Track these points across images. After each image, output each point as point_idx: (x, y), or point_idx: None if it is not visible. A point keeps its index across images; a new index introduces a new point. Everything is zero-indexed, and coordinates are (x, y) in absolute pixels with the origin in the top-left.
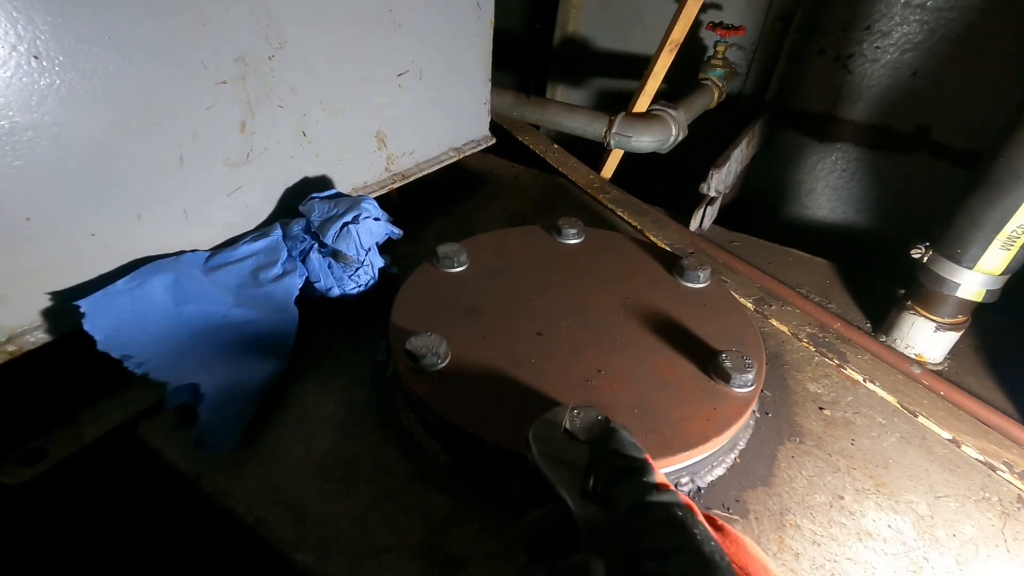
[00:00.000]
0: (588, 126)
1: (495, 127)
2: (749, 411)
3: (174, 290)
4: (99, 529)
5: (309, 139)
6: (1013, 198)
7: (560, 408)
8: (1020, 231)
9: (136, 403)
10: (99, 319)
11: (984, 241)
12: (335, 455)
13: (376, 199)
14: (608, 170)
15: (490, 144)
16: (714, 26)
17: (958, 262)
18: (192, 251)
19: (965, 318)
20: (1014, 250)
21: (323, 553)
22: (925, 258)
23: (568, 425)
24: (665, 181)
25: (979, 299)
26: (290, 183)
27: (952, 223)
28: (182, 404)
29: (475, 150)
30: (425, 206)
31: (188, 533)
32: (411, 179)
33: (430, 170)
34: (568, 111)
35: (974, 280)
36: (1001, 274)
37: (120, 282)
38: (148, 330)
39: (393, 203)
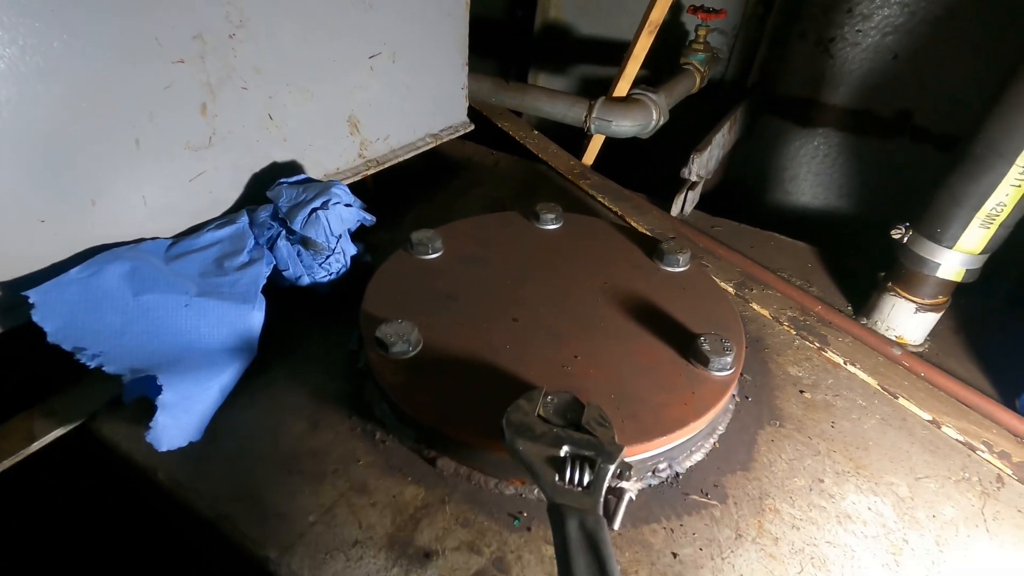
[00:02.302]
0: (568, 111)
1: (474, 113)
2: (728, 395)
3: (132, 279)
4: (55, 528)
5: (276, 123)
6: (993, 175)
7: (534, 392)
8: (999, 209)
9: (95, 398)
10: (49, 310)
11: (964, 219)
12: (304, 447)
13: (350, 186)
14: (589, 156)
15: (468, 130)
16: (695, 9)
17: (938, 242)
18: (153, 239)
19: (945, 299)
20: (993, 228)
21: (288, 548)
22: (905, 238)
23: (542, 410)
24: (647, 167)
25: (959, 279)
26: (257, 168)
27: (932, 202)
28: (142, 397)
29: (453, 136)
30: (402, 194)
31: (149, 530)
32: (386, 165)
33: (406, 156)
34: (548, 96)
35: (954, 260)
36: (980, 253)
37: (73, 271)
38: (103, 321)
39: (368, 190)
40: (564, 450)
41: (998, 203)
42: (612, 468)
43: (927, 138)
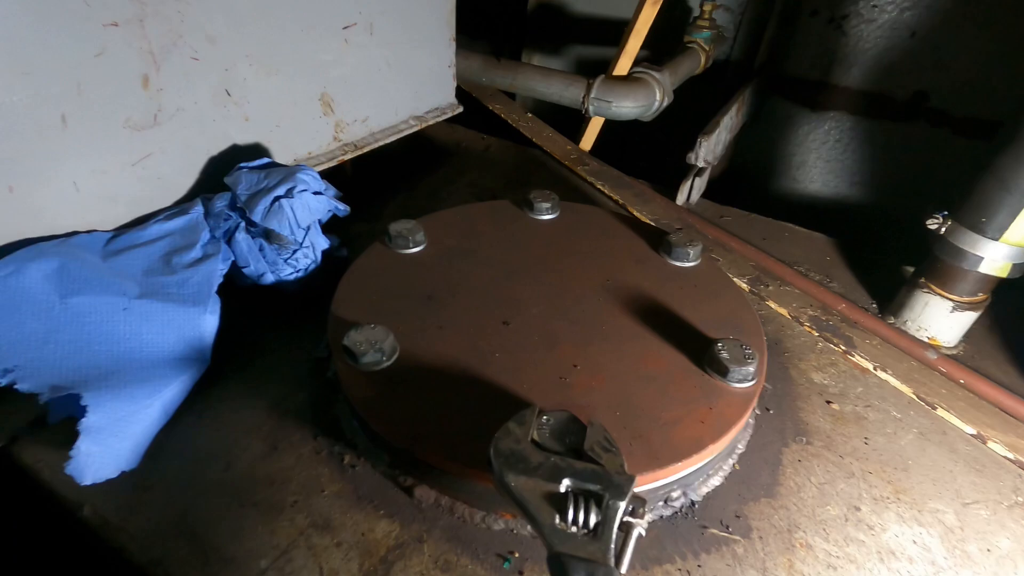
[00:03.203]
0: (564, 91)
1: (463, 95)
2: (750, 410)
3: (59, 279)
4: None
5: (235, 99)
6: None
7: (526, 412)
8: None
9: (18, 416)
10: None
11: (1014, 206)
12: (259, 473)
13: (324, 172)
14: (588, 140)
15: (457, 112)
16: None
17: (982, 232)
18: (88, 232)
19: (985, 296)
20: None
21: None
22: (943, 229)
23: (536, 435)
24: (649, 153)
25: (1004, 274)
26: (214, 151)
27: (975, 189)
28: (69, 418)
29: (439, 119)
30: (384, 180)
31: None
32: (365, 150)
33: (387, 140)
34: (542, 75)
35: (999, 252)
36: None
37: None
38: (21, 329)
39: (346, 176)
40: (564, 484)
41: None
42: (623, 505)
43: (945, 121)
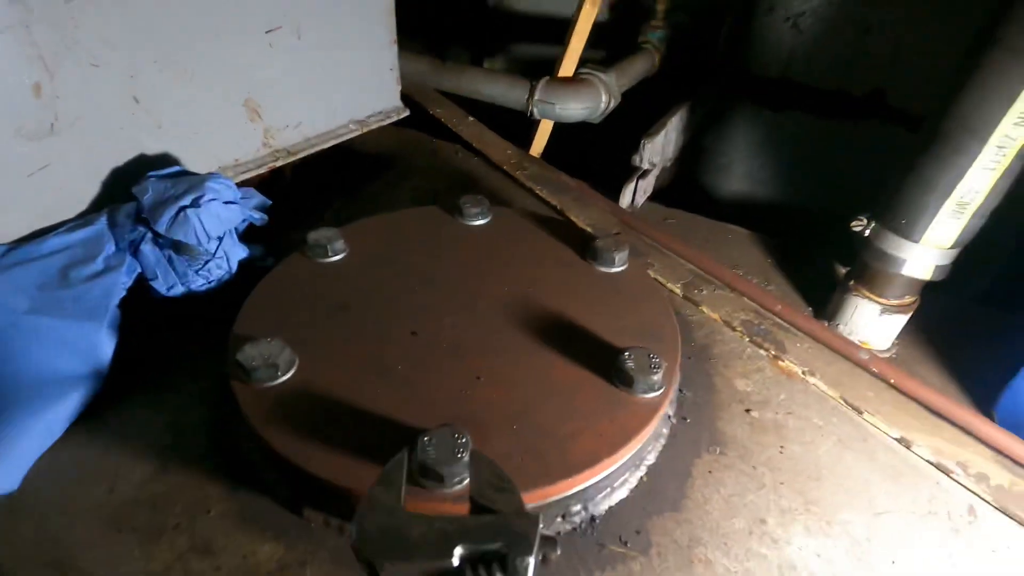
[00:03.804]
0: (508, 92)
1: (407, 98)
2: (654, 421)
3: None
4: None
5: (144, 107)
6: (964, 156)
7: (393, 467)
8: (972, 194)
9: None
10: None
11: (933, 208)
12: (143, 496)
13: (258, 178)
14: (538, 145)
15: (402, 116)
16: None
17: (904, 235)
18: None
19: (913, 299)
20: (965, 218)
21: None
22: (867, 231)
23: (418, 463)
24: (604, 155)
25: (928, 276)
26: (122, 160)
27: (896, 190)
28: None
29: (383, 122)
30: (326, 186)
31: None
32: (300, 155)
33: (325, 145)
34: (486, 77)
35: (922, 255)
36: (951, 247)
37: None
38: None
39: (286, 183)
40: (458, 554)
41: (970, 189)
42: (532, 561)
43: (902, 119)
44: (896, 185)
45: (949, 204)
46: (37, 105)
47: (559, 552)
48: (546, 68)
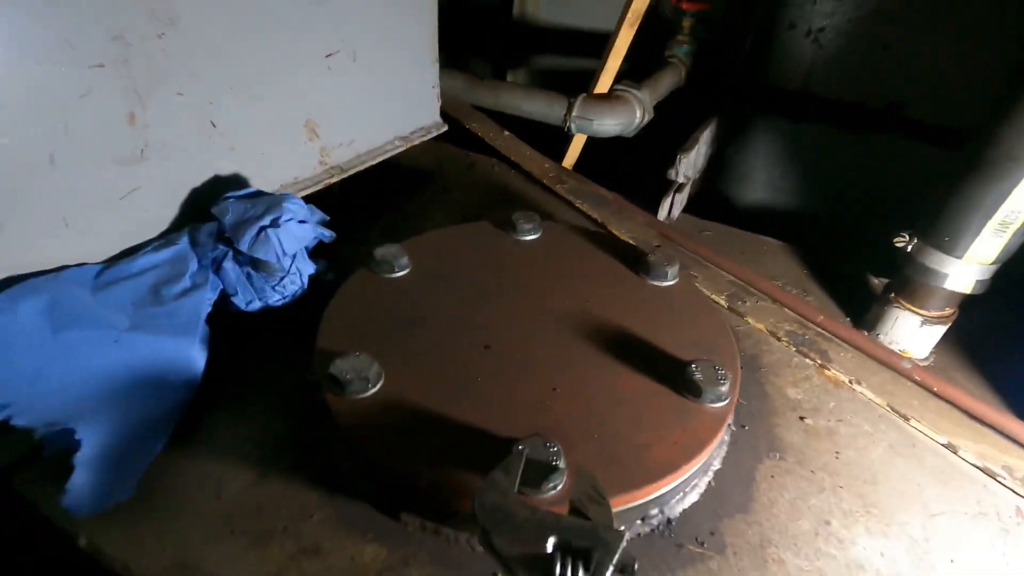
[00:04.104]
0: (547, 110)
1: (444, 114)
2: (723, 430)
3: (50, 314)
4: None
5: (220, 131)
6: (1008, 181)
7: (512, 459)
8: (1014, 215)
9: (11, 449)
10: None
11: (976, 227)
12: (248, 501)
13: (312, 195)
14: (571, 158)
15: (442, 131)
16: None
17: (947, 251)
18: (79, 266)
19: (953, 311)
20: (1007, 236)
21: None
22: (910, 247)
23: (520, 478)
24: (633, 167)
25: (969, 291)
26: (199, 182)
27: (940, 209)
28: (64, 450)
29: (425, 138)
30: (371, 201)
31: None
32: (351, 172)
33: (373, 162)
34: (525, 94)
35: (964, 270)
36: (992, 263)
37: None
38: (15, 366)
39: (334, 198)
40: (551, 543)
41: (1012, 210)
42: (612, 565)
43: (920, 132)
44: (939, 204)
45: (992, 224)
46: (131, 133)
47: (636, 568)
48: (568, 80)
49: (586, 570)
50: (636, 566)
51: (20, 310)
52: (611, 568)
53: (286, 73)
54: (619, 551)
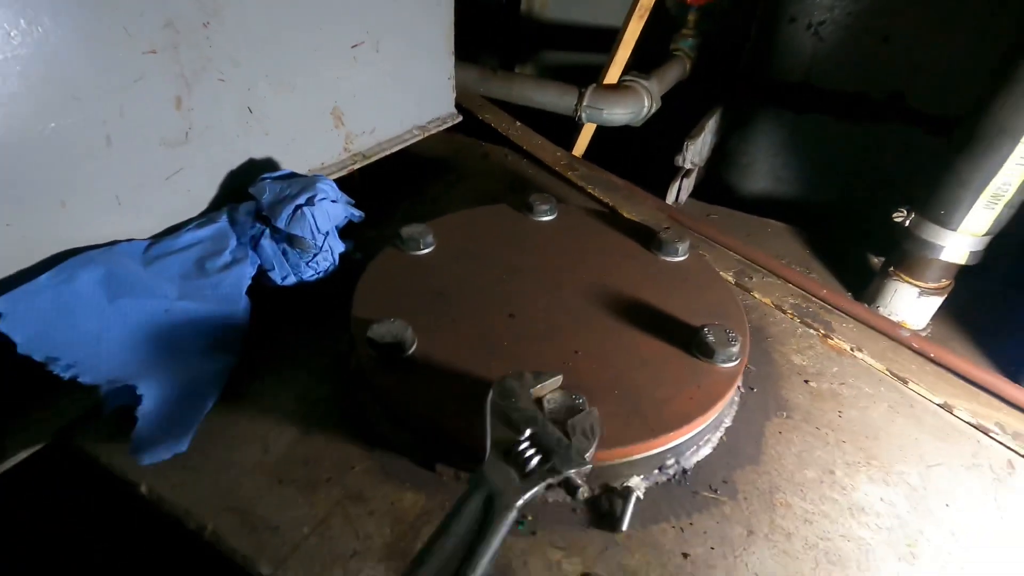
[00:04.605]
0: (558, 100)
1: (458, 105)
2: (734, 387)
3: (107, 283)
4: (35, 544)
5: (256, 116)
6: (998, 154)
7: (547, 376)
8: (1005, 188)
9: (73, 408)
10: (19, 319)
11: (969, 200)
12: (294, 455)
13: (336, 181)
14: (580, 146)
15: (456, 122)
16: None
17: (942, 224)
18: (128, 241)
19: (949, 282)
20: (999, 208)
21: (282, 563)
22: (907, 222)
23: (541, 395)
24: (639, 155)
25: (964, 261)
26: (236, 164)
27: (935, 184)
28: (122, 407)
29: (440, 128)
30: (390, 188)
31: (137, 545)
32: (373, 159)
33: (393, 149)
34: (537, 85)
35: (959, 242)
36: (985, 235)
37: (43, 277)
38: (77, 329)
39: (355, 184)
40: (529, 431)
41: (1004, 183)
42: (561, 475)
43: (920, 121)
44: (935, 180)
45: (984, 196)
46: (177, 117)
47: (581, 492)
48: (576, 72)
49: (541, 465)
50: (583, 492)
51: (79, 280)
52: (558, 477)
53: (316, 62)
54: (571, 470)
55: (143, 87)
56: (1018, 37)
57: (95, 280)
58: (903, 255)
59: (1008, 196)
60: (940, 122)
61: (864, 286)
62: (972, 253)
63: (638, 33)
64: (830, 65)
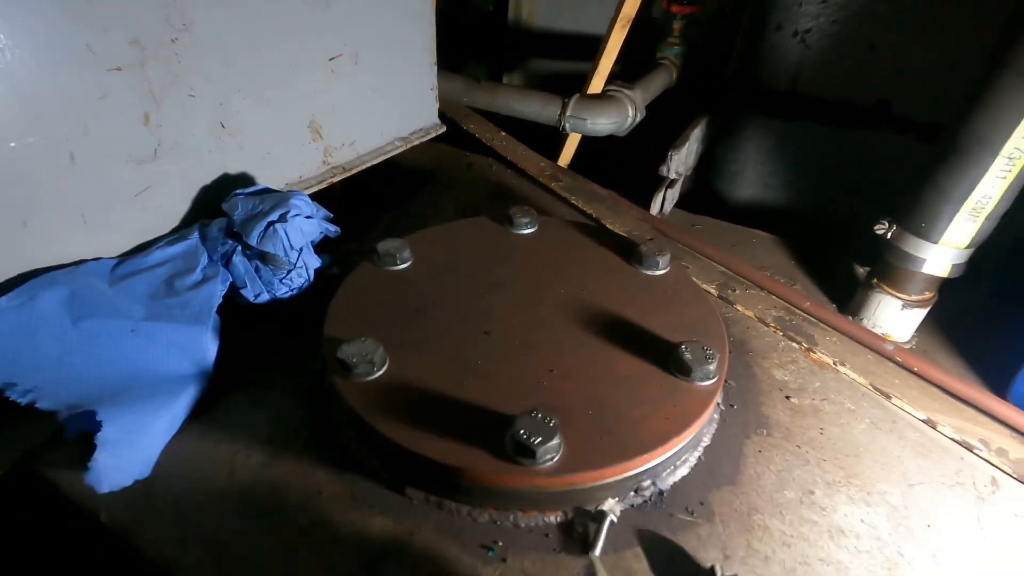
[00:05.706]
0: (542, 110)
1: (442, 115)
2: (711, 406)
3: (70, 305)
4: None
5: (229, 131)
6: (978, 167)
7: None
8: (986, 201)
9: (34, 433)
10: None
11: (950, 212)
12: (262, 480)
13: (315, 193)
14: (566, 156)
15: (440, 132)
16: (669, 2)
17: (924, 236)
18: (95, 260)
19: (932, 294)
20: (980, 221)
21: None
22: (889, 234)
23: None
24: (626, 164)
25: (946, 274)
26: (210, 180)
27: (917, 196)
28: (85, 431)
29: (424, 139)
30: (373, 199)
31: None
32: (353, 171)
33: (374, 161)
34: (521, 95)
35: (941, 254)
36: (967, 247)
37: (2, 299)
38: (38, 353)
39: (336, 197)
40: None
41: (984, 195)
42: None
43: (908, 128)
44: (916, 192)
45: (965, 209)
46: (145, 133)
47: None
48: (563, 81)
49: None
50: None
51: (41, 301)
52: None
53: (291, 75)
54: None
55: (108, 104)
56: (995, 48)
57: (58, 301)
58: (886, 267)
59: (989, 208)
60: (927, 129)
61: (850, 297)
62: (955, 266)
63: (621, 43)
64: (817, 73)
